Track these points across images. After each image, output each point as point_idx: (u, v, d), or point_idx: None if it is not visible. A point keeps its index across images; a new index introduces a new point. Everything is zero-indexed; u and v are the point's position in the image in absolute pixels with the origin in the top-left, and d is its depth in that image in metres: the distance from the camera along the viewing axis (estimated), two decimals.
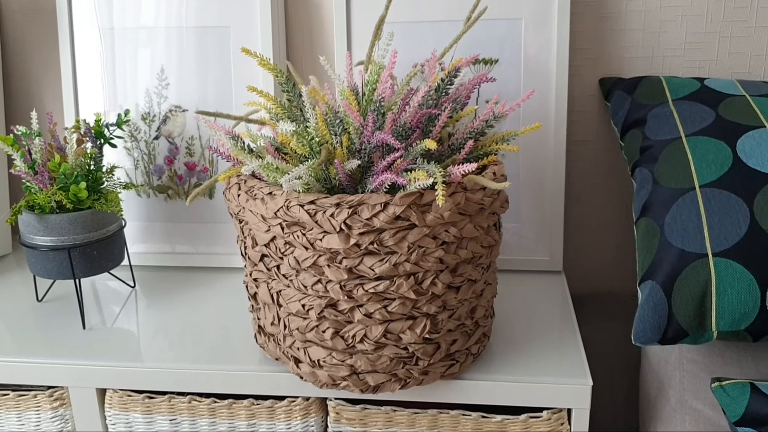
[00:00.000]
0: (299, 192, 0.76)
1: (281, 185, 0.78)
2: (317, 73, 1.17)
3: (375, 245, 0.76)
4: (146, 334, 0.98)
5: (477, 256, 0.82)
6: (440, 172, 0.74)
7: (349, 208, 0.75)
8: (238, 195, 0.82)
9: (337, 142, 0.80)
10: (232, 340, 0.95)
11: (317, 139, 0.78)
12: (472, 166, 0.74)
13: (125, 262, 1.10)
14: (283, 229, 0.78)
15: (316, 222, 0.76)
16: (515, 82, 1.09)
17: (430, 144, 0.75)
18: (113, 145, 1.07)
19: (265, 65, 0.83)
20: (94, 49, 1.15)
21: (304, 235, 0.77)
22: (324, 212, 0.76)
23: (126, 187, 1.07)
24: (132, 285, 1.12)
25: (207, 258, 1.16)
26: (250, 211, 0.81)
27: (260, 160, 0.76)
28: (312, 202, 0.76)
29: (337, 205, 0.75)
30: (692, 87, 1.02)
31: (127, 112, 1.07)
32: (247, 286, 0.89)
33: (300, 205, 0.76)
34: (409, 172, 0.76)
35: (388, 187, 0.76)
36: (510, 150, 0.85)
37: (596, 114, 1.16)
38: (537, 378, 0.86)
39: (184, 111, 1.14)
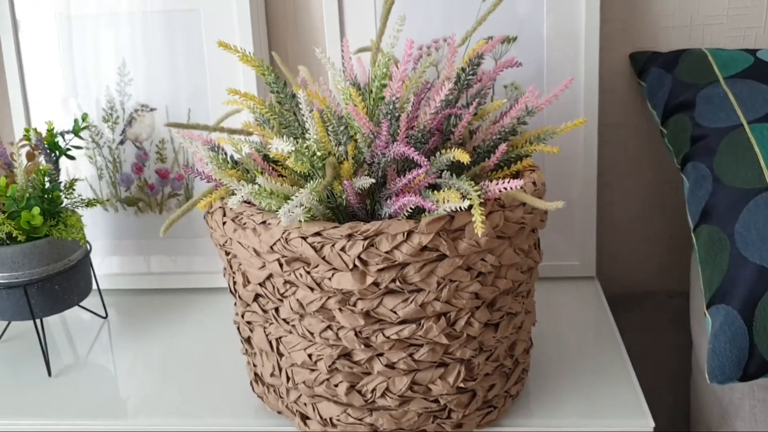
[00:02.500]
0: (300, 221, 0.61)
1: (277, 211, 0.63)
2: (306, 64, 1.01)
3: (397, 283, 0.62)
4: (123, 379, 0.83)
5: (517, 284, 0.68)
6: (476, 190, 0.60)
7: (365, 239, 0.60)
8: (224, 223, 0.67)
9: (340, 152, 0.65)
10: (224, 383, 0.81)
11: (318, 154, 0.63)
12: (518, 182, 0.59)
13: (95, 287, 0.94)
14: (281, 266, 0.64)
15: (324, 258, 0.61)
16: (537, 61, 0.94)
17: (463, 157, 0.60)
18: (71, 157, 0.91)
19: (249, 61, 0.67)
20: (45, 42, 0.98)
21: (308, 273, 0.63)
22: (333, 245, 0.61)
23: (89, 204, 0.91)
24: (104, 315, 0.97)
25: (187, 278, 1.01)
26: (240, 243, 0.66)
27: (250, 185, 0.61)
28: (317, 234, 0.61)
29: (350, 236, 0.60)
30: (745, 61, 0.88)
31: (84, 117, 0.91)
32: (238, 328, 0.74)
33: (302, 238, 0.61)
34: (434, 191, 0.62)
35: (410, 210, 0.62)
36: (549, 152, 0.70)
37: (627, 93, 1.01)
38: (586, 421, 0.72)
39: (151, 110, 0.98)
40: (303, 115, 0.62)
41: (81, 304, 0.93)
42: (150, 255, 1.02)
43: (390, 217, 0.63)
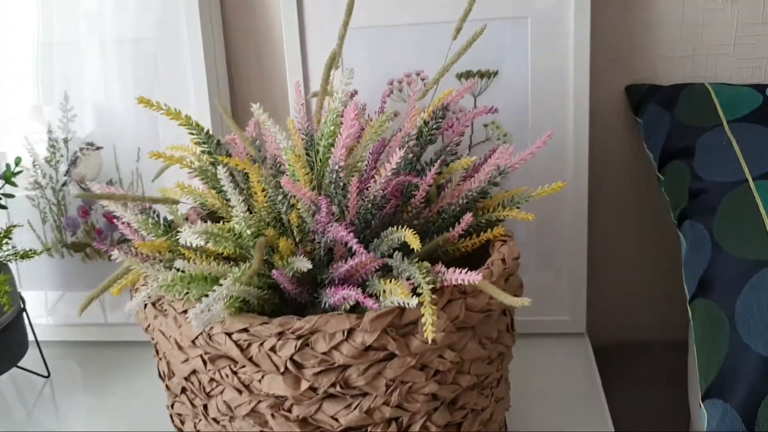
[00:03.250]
0: (224, 313, 0.53)
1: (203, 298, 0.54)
2: (270, 100, 0.92)
3: (338, 387, 0.53)
4: None
5: (483, 377, 0.59)
6: (428, 281, 0.51)
7: (298, 338, 0.51)
8: (144, 306, 0.58)
9: (278, 222, 0.56)
10: None
11: (249, 232, 0.54)
12: (476, 276, 0.50)
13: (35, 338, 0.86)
14: (205, 363, 0.55)
15: (251, 359, 0.53)
16: (521, 98, 0.84)
17: (413, 242, 0.51)
18: (2, 206, 0.82)
19: (173, 116, 0.58)
20: None
21: (235, 373, 0.54)
22: (261, 344, 0.52)
23: (25, 256, 0.83)
24: (45, 374, 0.89)
25: (140, 330, 0.93)
26: (161, 332, 0.57)
27: (162, 275, 0.52)
28: (244, 330, 0.52)
29: (280, 334, 0.52)
30: (753, 101, 0.78)
31: (17, 161, 0.83)
32: (171, 417, 0.66)
33: (226, 334, 0.53)
34: (382, 279, 0.53)
35: (351, 304, 0.53)
36: (524, 219, 0.61)
37: (621, 128, 0.91)
38: None
39: (97, 149, 0.89)
40: (228, 191, 0.53)
41: (19, 364, 0.84)
42: (99, 304, 0.93)
43: (331, 308, 0.54)
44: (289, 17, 0.84)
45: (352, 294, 0.50)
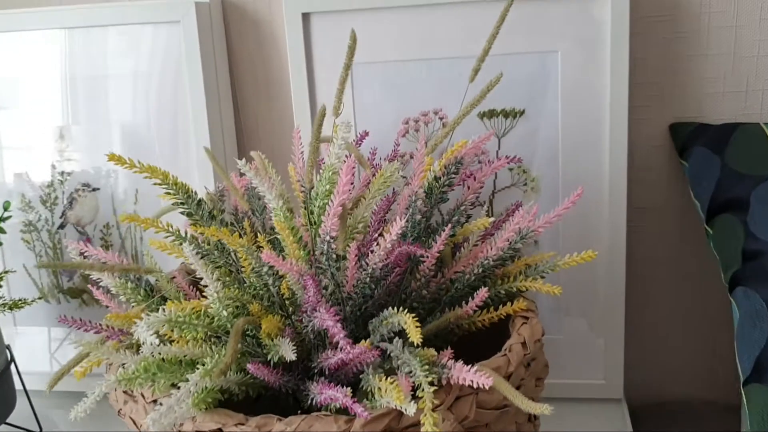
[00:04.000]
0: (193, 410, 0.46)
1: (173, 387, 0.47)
2: (284, 139, 0.86)
3: None
4: None
5: None
6: (429, 379, 0.43)
7: None
8: (115, 389, 0.52)
9: (268, 295, 0.49)
10: None
11: (225, 313, 0.47)
12: (487, 380, 0.42)
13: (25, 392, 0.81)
14: None
15: None
16: (550, 139, 0.76)
17: (414, 335, 0.43)
18: None
19: (148, 172, 0.51)
20: None
21: None
22: None
23: (15, 306, 0.78)
24: (37, 430, 0.83)
25: None
26: (131, 419, 0.50)
27: (122, 369, 0.45)
28: (218, 427, 0.45)
29: None
30: None
31: (6, 206, 0.77)
32: None
33: None
34: (377, 375, 0.45)
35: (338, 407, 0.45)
36: (549, 293, 0.53)
37: (664, 171, 0.82)
38: None
39: (94, 190, 0.83)
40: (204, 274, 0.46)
41: (8, 420, 0.79)
42: None
43: (318, 407, 0.46)
44: (296, 61, 0.77)
45: (339, 396, 0.43)
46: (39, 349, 0.90)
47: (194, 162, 0.79)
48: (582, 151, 0.76)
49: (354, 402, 0.42)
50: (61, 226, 0.85)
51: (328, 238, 0.47)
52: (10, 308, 0.77)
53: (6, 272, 0.80)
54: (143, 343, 0.42)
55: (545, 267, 0.55)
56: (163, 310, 0.43)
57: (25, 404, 0.82)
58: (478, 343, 0.56)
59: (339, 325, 0.43)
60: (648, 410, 0.90)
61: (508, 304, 0.54)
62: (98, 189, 0.83)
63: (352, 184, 0.46)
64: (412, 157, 0.77)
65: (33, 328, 0.89)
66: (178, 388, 0.46)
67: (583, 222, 0.77)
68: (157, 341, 0.41)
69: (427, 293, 0.55)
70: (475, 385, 0.43)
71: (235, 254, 0.54)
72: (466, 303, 0.54)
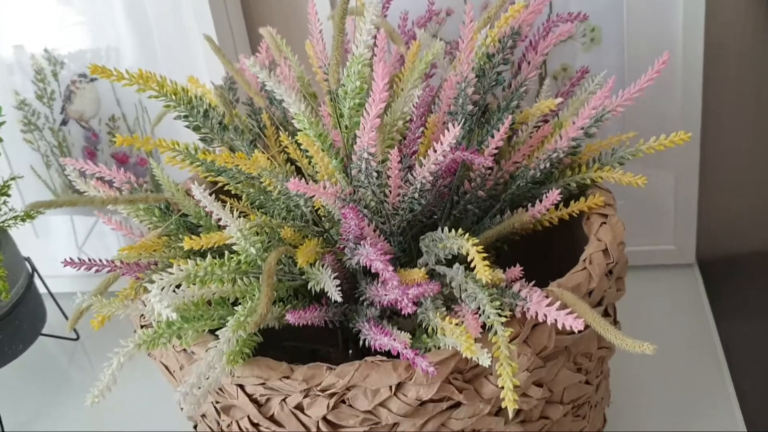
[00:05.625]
0: (234, 341, 0.39)
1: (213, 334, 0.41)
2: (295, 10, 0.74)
3: None
4: (120, 415, 0.67)
5: (580, 398, 0.46)
6: (502, 320, 0.36)
7: (330, 396, 0.38)
8: (141, 326, 0.46)
9: (300, 213, 0.42)
10: None
11: (254, 250, 0.39)
12: (577, 322, 0.35)
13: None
14: (218, 413, 0.43)
15: (272, 418, 0.40)
16: (614, 19, 0.64)
17: (482, 272, 0.35)
18: None
19: (137, 81, 0.42)
20: None
21: (256, 425, 0.42)
22: (284, 400, 0.39)
23: (28, 217, 0.71)
24: (74, 337, 0.80)
25: None
26: (163, 365, 0.45)
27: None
28: (260, 382, 0.39)
29: (306, 392, 0.39)
30: None
31: None
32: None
33: (239, 386, 0.40)
34: (439, 312, 0.38)
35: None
36: (633, 184, 0.45)
37: (742, 11, 0.70)
38: None
39: (92, 81, 0.74)
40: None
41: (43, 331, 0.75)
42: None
43: (369, 350, 0.40)
44: None
45: (398, 346, 0.36)
46: (65, 246, 0.84)
47: (201, 52, 0.69)
48: (648, 35, 0.63)
49: (416, 354, 0.35)
50: (64, 123, 0.77)
51: (365, 155, 0.38)
52: (23, 219, 0.71)
53: (13, 178, 0.73)
54: (158, 316, 0.35)
55: (625, 152, 0.46)
56: (179, 267, 0.35)
57: (58, 313, 0.79)
58: (535, 236, 0.49)
59: (391, 268, 0.35)
60: (723, 275, 0.83)
61: (582, 199, 0.46)
62: (96, 79, 0.74)
63: (389, 87, 0.37)
64: (448, 14, 0.65)
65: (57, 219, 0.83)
66: (212, 332, 0.40)
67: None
68: (174, 316, 0.34)
69: (483, 193, 0.47)
70: (560, 326, 0.35)
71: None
72: (530, 202, 0.46)
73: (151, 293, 0.34)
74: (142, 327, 0.43)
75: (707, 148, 0.71)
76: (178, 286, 0.37)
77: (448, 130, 0.37)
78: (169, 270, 0.35)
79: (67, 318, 0.79)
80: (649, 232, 0.74)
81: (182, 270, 0.35)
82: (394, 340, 0.36)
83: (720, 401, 0.60)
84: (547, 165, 0.45)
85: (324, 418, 0.39)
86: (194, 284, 0.36)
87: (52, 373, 0.76)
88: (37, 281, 0.74)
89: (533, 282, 0.40)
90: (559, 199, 0.44)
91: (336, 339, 0.48)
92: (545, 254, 0.53)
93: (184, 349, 0.42)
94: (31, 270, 0.73)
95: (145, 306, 0.40)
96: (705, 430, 0.57)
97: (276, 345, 0.44)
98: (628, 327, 0.58)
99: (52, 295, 0.77)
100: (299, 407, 0.39)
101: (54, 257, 0.83)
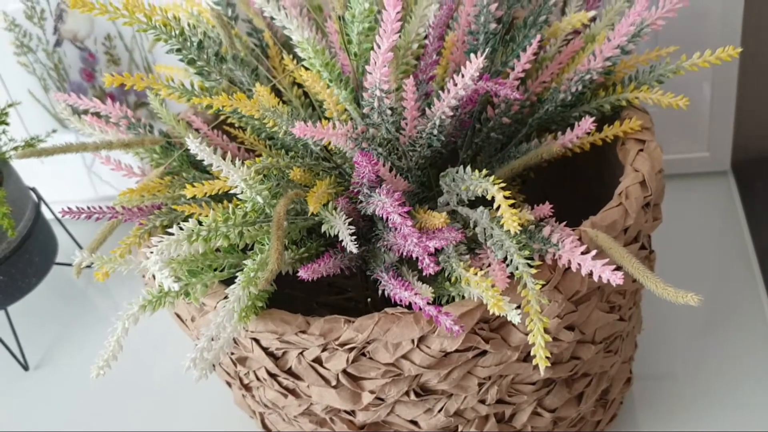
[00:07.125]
0: (248, 289, 0.37)
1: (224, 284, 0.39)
2: None
3: (412, 396, 0.39)
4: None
5: (612, 336, 0.43)
6: (533, 271, 0.33)
7: (350, 350, 0.36)
8: (153, 276, 0.44)
9: (309, 150, 0.39)
10: None
11: (260, 199, 0.36)
12: (616, 276, 0.32)
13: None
14: (234, 363, 0.41)
15: (290, 371, 0.38)
16: None
17: (510, 221, 0.32)
18: None
19: (132, 13, 0.38)
20: None
21: (274, 378, 0.40)
22: (302, 354, 0.37)
23: (29, 146, 0.68)
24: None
25: None
26: (176, 315, 0.43)
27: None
28: (276, 336, 0.37)
29: (324, 346, 0.37)
30: None
31: None
32: None
33: (253, 339, 0.38)
34: (462, 263, 0.36)
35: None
36: (673, 106, 0.41)
37: None
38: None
39: None
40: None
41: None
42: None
43: (388, 301, 0.37)
44: None
45: (419, 302, 0.33)
46: (73, 168, 0.82)
47: None
48: None
49: (439, 312, 0.33)
50: (58, 44, 0.72)
51: (377, 92, 0.34)
52: (26, 147, 0.68)
53: (10, 105, 0.70)
54: (159, 284, 0.32)
55: (665, 70, 0.41)
56: (179, 227, 0.33)
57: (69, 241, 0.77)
58: (563, 159, 0.45)
59: (410, 222, 0.32)
60: (758, 182, 0.79)
61: (617, 123, 0.42)
62: None
63: (401, 17, 0.32)
64: None
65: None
66: (223, 282, 0.38)
67: None
68: (176, 286, 0.32)
69: (508, 119, 0.43)
70: (596, 278, 0.33)
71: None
72: (559, 126, 0.42)
73: (149, 261, 0.32)
74: (147, 283, 0.41)
75: (747, 54, 0.66)
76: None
77: (470, 60, 0.33)
78: (169, 231, 0.32)
79: (80, 246, 0.77)
80: (682, 139, 0.69)
81: (183, 229, 0.32)
82: (416, 294, 0.34)
83: (753, 309, 0.58)
84: (579, 87, 0.41)
85: (344, 371, 0.37)
86: (197, 241, 0.33)
87: (72, 298, 0.75)
88: (45, 210, 0.72)
89: (564, 222, 0.37)
90: (586, 112, 0.41)
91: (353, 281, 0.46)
92: (574, 177, 0.50)
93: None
94: (37, 200, 0.71)
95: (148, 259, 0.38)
96: (738, 339, 0.56)
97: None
98: (660, 239, 0.55)
99: (62, 223, 0.75)
100: (317, 360, 0.37)
101: (62, 181, 0.81)
